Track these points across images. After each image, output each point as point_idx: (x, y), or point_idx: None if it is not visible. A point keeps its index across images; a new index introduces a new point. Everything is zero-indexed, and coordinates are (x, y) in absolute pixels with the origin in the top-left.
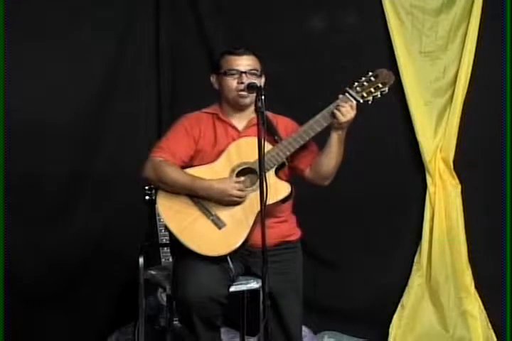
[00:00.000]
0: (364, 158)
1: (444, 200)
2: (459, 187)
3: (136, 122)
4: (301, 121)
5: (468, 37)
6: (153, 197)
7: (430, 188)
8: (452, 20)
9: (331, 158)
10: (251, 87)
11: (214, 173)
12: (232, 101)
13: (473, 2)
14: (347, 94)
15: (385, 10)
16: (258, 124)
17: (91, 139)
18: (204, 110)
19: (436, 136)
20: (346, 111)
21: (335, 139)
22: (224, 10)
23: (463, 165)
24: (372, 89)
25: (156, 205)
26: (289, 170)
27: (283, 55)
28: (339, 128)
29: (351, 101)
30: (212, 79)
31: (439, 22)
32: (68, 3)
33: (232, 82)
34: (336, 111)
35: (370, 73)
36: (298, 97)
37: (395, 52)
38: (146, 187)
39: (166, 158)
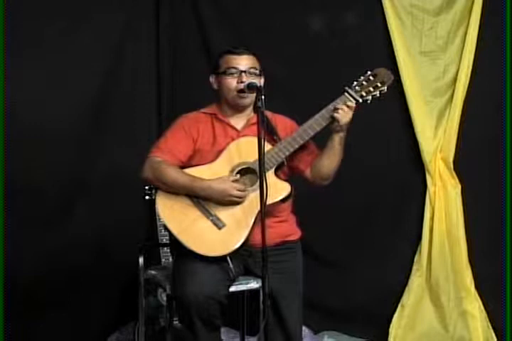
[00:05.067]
0: (364, 158)
1: (444, 200)
2: (459, 187)
3: (136, 122)
4: (300, 120)
5: (468, 37)
6: (153, 197)
7: (430, 188)
8: (452, 20)
9: (332, 160)
10: (251, 87)
11: (213, 173)
12: (231, 101)
13: (473, 2)
14: (346, 93)
15: (385, 10)
16: (258, 124)
17: (91, 139)
18: (202, 110)
19: (436, 136)
20: (344, 112)
21: (336, 141)
22: (224, 10)
23: (463, 165)
24: (372, 89)
25: (156, 205)
26: (288, 170)
27: (283, 54)
28: (340, 130)
29: (350, 101)
30: (212, 79)
31: (439, 22)
32: (68, 4)
33: (232, 82)
34: (335, 114)
35: (369, 72)
36: (297, 97)
37: (395, 52)
38: (146, 187)
39: (164, 158)
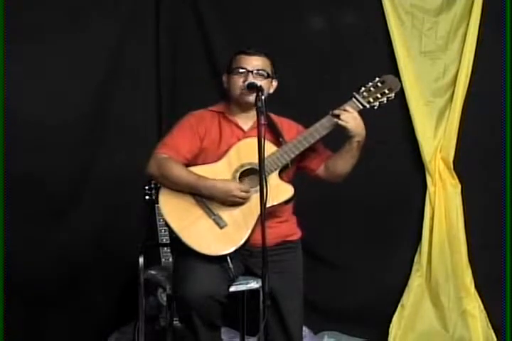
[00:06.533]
0: (364, 158)
1: (444, 200)
2: (459, 187)
3: (137, 122)
4: (299, 121)
5: (468, 37)
6: (153, 197)
7: (430, 188)
8: (452, 20)
9: (347, 161)
10: (251, 87)
11: (216, 173)
12: (237, 99)
13: (473, 2)
14: (354, 98)
15: (385, 10)
16: (258, 124)
17: (91, 139)
18: (210, 108)
19: (436, 136)
20: (346, 117)
21: (353, 145)
22: (224, 10)
23: (463, 165)
24: (379, 95)
25: (158, 203)
26: (297, 170)
27: (283, 55)
28: (353, 135)
29: (357, 106)
30: (224, 78)
31: (439, 22)
32: (68, 2)
33: (238, 81)
34: (339, 122)
35: (377, 79)
36: (298, 97)
37: (395, 52)
38: (146, 187)
39: (170, 155)
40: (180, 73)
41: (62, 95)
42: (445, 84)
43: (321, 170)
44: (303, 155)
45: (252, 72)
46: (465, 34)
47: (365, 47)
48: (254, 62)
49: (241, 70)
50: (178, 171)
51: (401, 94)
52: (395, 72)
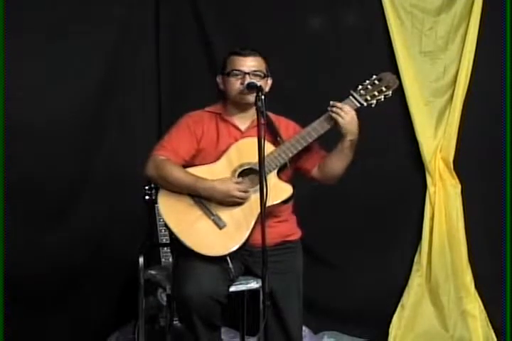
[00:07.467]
0: (364, 158)
1: (444, 200)
2: (459, 187)
3: (136, 122)
4: (299, 120)
5: (468, 37)
6: (153, 197)
7: (430, 188)
8: (452, 20)
9: (341, 162)
10: (251, 87)
11: (214, 173)
12: (235, 100)
13: (473, 2)
14: (351, 96)
15: (385, 10)
16: (258, 123)
17: (91, 140)
18: (207, 109)
19: (436, 136)
20: (344, 113)
21: (346, 145)
22: (224, 10)
23: (463, 165)
24: (376, 93)
25: (157, 204)
26: (292, 170)
27: (283, 54)
28: (346, 133)
29: (355, 104)
30: (218, 79)
31: (439, 22)
32: (68, 2)
33: (235, 83)
34: (334, 116)
35: (374, 76)
36: (297, 97)
37: (395, 52)
38: (146, 187)
39: (168, 156)
40: (180, 73)
41: (62, 95)
42: (445, 84)
43: (315, 171)
44: (298, 155)
45: (248, 73)
46: (465, 34)
47: (366, 47)
48: (249, 63)
49: (237, 72)
50: (176, 173)
51: (401, 94)
52: (395, 72)
